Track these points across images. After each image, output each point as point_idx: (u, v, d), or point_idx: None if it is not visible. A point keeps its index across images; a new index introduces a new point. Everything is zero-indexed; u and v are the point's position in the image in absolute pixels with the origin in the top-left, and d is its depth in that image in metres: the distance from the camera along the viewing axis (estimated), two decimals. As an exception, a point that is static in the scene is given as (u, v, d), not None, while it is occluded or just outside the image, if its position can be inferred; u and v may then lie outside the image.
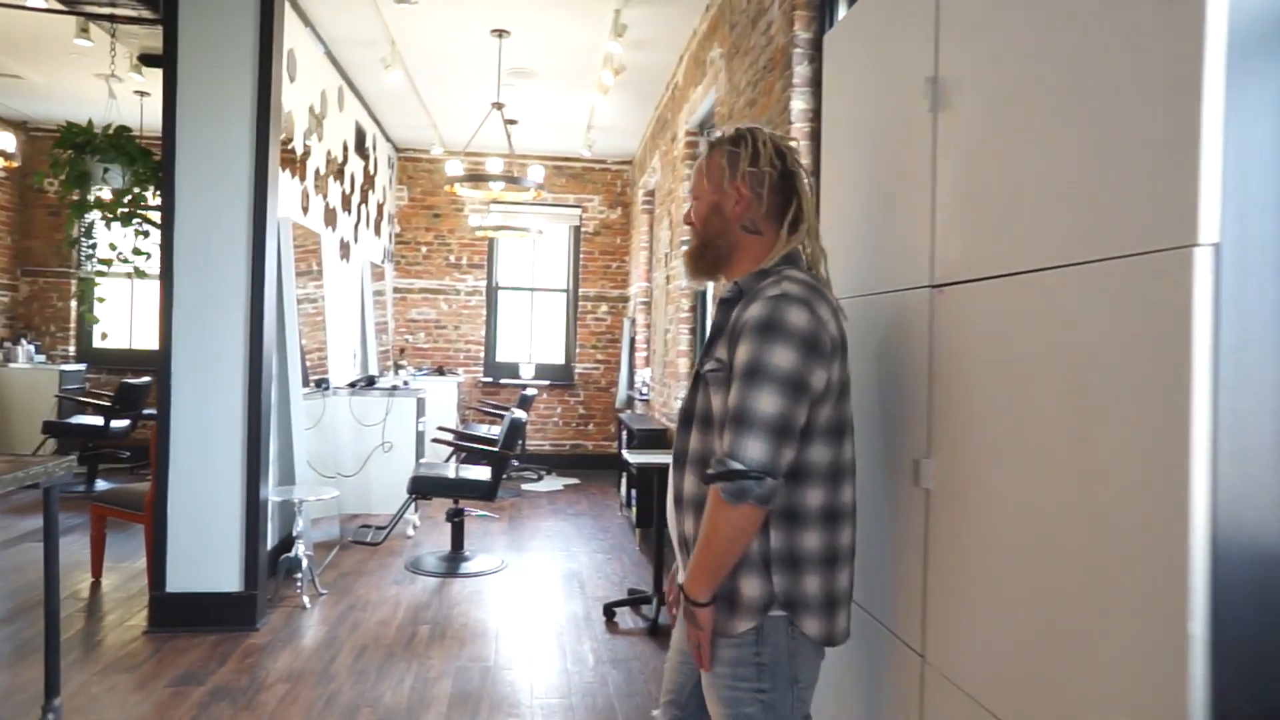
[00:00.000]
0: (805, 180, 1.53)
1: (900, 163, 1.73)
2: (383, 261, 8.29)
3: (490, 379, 9.06)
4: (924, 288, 1.60)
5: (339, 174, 6.41)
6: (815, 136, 3.31)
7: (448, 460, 6.67)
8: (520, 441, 6.54)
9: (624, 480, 6.87)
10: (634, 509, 5.95)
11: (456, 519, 5.26)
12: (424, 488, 5.10)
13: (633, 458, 4.54)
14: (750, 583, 1.40)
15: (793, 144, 1.58)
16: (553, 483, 8.23)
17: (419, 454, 6.27)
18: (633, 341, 8.38)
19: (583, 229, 9.22)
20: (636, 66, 6.02)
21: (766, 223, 1.50)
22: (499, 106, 6.11)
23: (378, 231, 8.05)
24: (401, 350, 8.84)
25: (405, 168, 8.98)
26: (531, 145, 8.60)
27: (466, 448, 5.38)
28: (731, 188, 1.51)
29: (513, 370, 9.13)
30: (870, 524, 1.77)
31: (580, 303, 9.20)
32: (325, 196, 6.00)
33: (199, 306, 3.86)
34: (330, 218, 6.16)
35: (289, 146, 5.05)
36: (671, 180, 6.35)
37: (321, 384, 5.64)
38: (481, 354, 9.12)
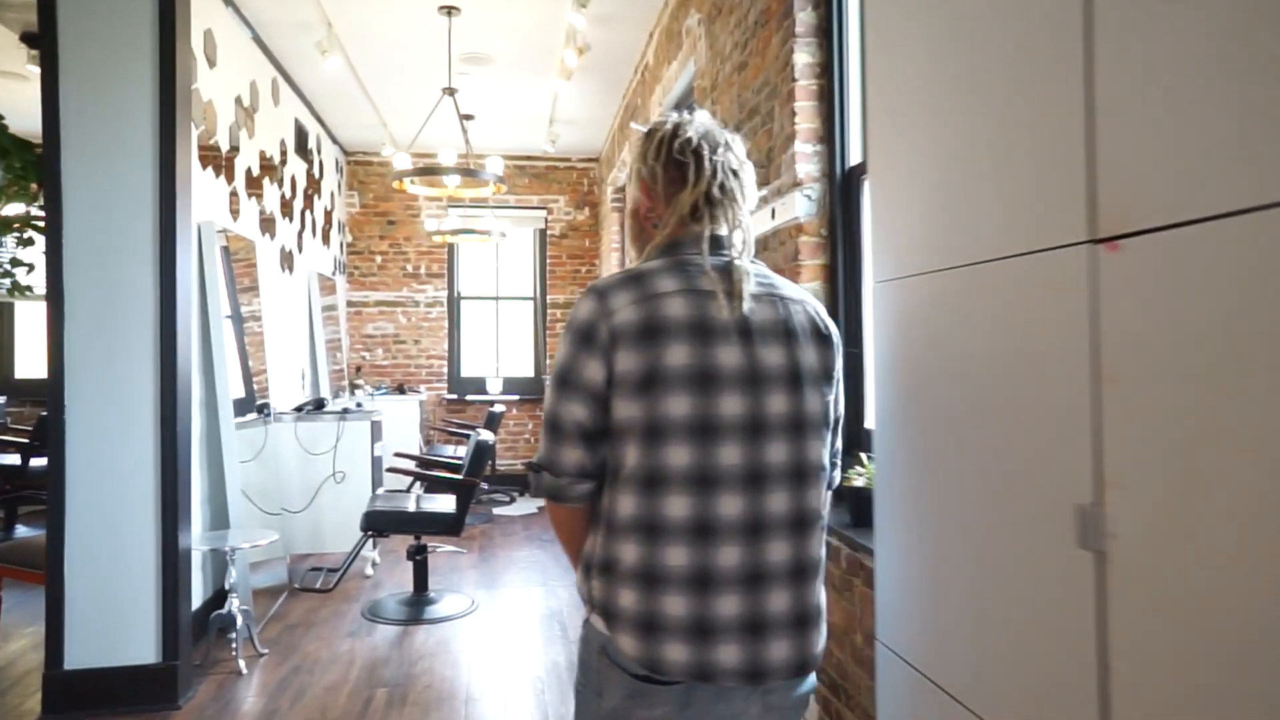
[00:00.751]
0: (707, 160, 1.36)
1: (1016, 69, 1.20)
2: (333, 273, 7.66)
3: (455, 396, 8.45)
4: (1078, 244, 1.06)
5: (276, 176, 5.79)
6: (826, 95, 2.78)
7: (409, 489, 6.07)
8: (490, 463, 5.97)
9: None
10: (617, 534, 5.38)
11: (419, 557, 4.66)
12: (380, 524, 4.50)
13: (617, 481, 4.00)
14: (579, 579, 1.40)
15: (687, 121, 1.40)
16: (526, 505, 7.63)
17: (375, 483, 5.64)
18: (607, 349, 7.82)
19: (549, 232, 8.65)
20: (602, 46, 5.47)
21: (666, 215, 1.40)
22: (451, 92, 5.53)
23: (326, 241, 7.42)
24: (358, 368, 8.20)
25: (355, 172, 8.35)
26: (490, 144, 8.02)
27: (427, 476, 4.77)
28: (637, 189, 1.46)
29: (479, 385, 8.53)
30: (997, 607, 1.22)
31: (549, 310, 8.63)
32: (260, 201, 5.38)
33: (97, 326, 3.25)
34: (267, 225, 5.54)
35: (211, 142, 4.44)
36: (644, 171, 5.80)
37: (263, 410, 5.01)
38: (445, 369, 8.50)
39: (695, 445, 1.24)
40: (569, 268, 8.65)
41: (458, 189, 5.28)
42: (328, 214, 7.49)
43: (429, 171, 4.75)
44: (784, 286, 1.37)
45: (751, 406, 1.26)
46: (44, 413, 6.25)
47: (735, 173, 1.38)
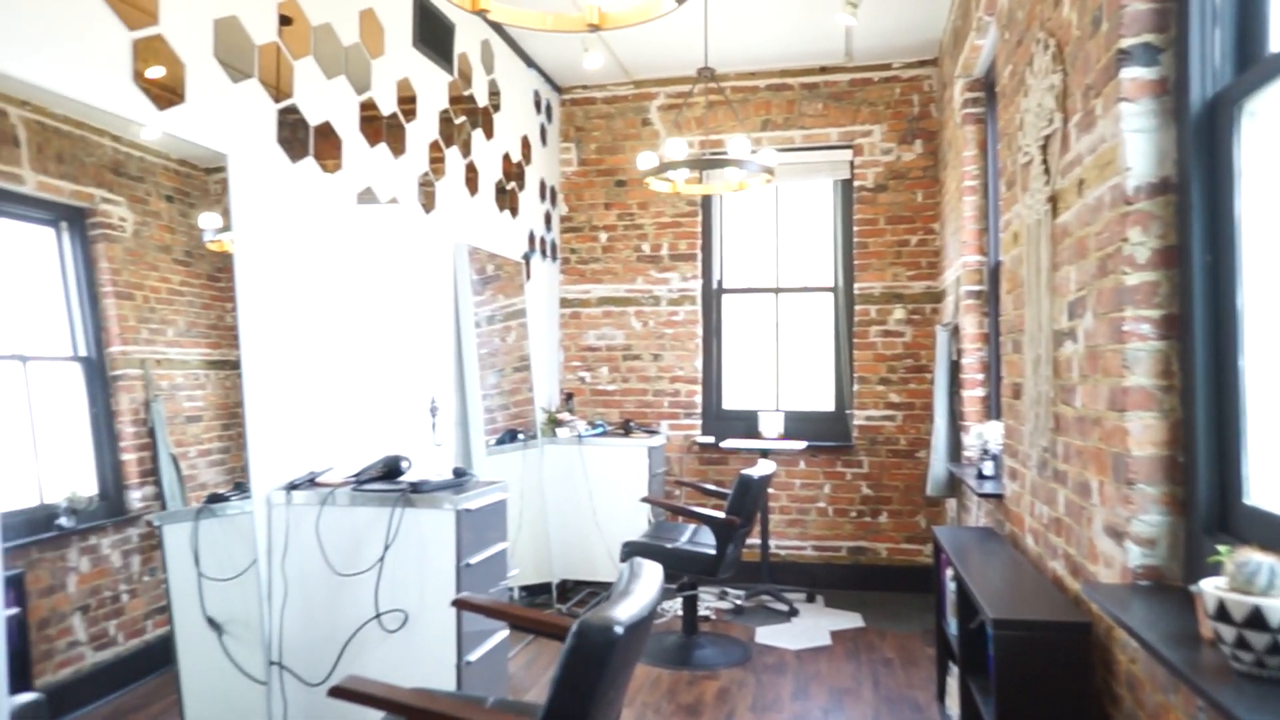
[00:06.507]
0: None
1: None
2: (526, 256, 5.19)
3: (710, 439, 5.58)
4: None
5: (351, 66, 3.37)
6: None
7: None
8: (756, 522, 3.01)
9: (952, 663, 3.12)
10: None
11: None
12: None
13: None
14: None
15: None
16: (814, 623, 4.55)
17: (462, 643, 2.89)
18: (955, 368, 4.52)
19: (857, 184, 5.51)
20: None
21: None
22: None
23: (511, 209, 4.98)
24: (568, 396, 5.66)
25: (571, 115, 5.86)
26: (743, 52, 5.12)
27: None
28: None
29: (749, 422, 5.60)
30: None
31: (857, 307, 5.48)
32: (272, 85, 2.95)
33: None
34: (319, 140, 3.11)
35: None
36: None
37: (241, 488, 2.52)
38: (698, 398, 5.68)
39: None
40: (890, 239, 5.44)
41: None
42: (512, 168, 5.03)
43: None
44: None
45: None
46: None
47: None
